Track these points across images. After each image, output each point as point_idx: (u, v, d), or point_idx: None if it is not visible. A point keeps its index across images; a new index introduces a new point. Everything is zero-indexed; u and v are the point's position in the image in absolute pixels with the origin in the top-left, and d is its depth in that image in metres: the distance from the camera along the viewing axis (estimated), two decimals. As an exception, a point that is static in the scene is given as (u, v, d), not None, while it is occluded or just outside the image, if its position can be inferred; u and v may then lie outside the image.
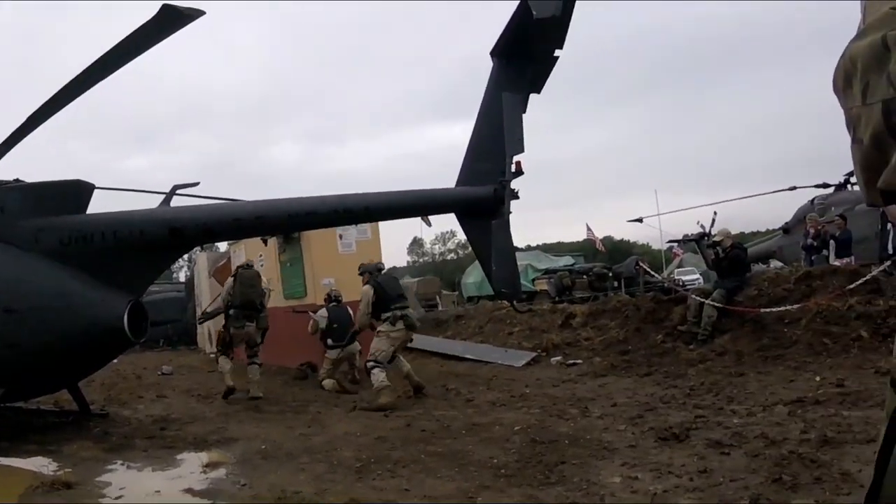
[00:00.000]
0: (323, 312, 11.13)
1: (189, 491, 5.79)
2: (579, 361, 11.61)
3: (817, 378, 8.05)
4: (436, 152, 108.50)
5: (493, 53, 7.21)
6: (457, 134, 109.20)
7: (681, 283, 19.12)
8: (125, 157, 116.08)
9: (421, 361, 13.59)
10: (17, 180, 8.45)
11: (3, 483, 6.34)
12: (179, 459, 6.88)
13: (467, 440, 6.76)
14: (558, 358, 12.18)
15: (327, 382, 10.74)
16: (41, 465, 6.81)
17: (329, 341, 10.90)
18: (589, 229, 34.40)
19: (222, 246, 19.67)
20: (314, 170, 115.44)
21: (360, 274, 10.25)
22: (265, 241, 12.36)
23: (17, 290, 7.48)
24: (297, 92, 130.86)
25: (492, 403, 8.74)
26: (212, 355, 18.71)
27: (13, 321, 7.33)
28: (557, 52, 7.02)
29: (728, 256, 11.43)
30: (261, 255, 14.60)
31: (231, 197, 8.76)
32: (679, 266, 31.25)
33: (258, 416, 8.83)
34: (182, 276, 28.60)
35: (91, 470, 6.46)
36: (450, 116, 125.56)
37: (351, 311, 11.07)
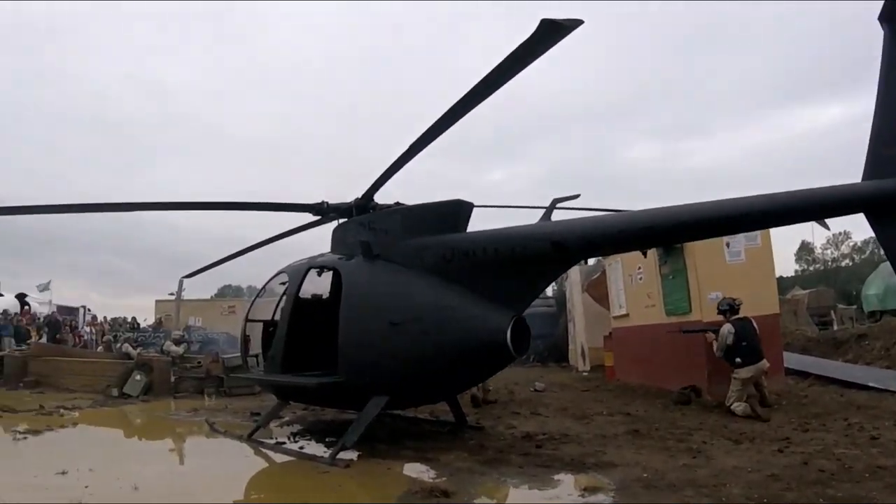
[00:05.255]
0: (729, 328, 10.75)
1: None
2: None
3: None
4: (808, 140, 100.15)
5: (881, 18, 6.35)
6: (833, 115, 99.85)
7: None
8: (486, 170, 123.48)
9: (817, 389, 12.64)
10: (397, 203, 9.52)
11: (381, 486, 7.12)
12: (556, 480, 7.12)
13: (871, 485, 6.17)
14: None
15: (738, 406, 10.38)
16: (419, 471, 7.56)
17: (737, 359, 10.57)
18: None
19: (591, 259, 20.09)
20: (677, 167, 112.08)
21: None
22: (644, 253, 12.35)
23: (401, 304, 8.46)
24: (652, 84, 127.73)
25: (904, 443, 7.88)
26: (584, 373, 19.24)
27: (397, 334, 8.27)
28: None
29: None
30: (639, 268, 14.63)
31: (611, 208, 8.87)
32: None
33: (637, 441, 8.83)
34: (549, 291, 29.69)
35: (467, 481, 6.97)
36: (824, 92, 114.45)
37: (756, 325, 10.71)
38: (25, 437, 10.01)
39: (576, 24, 5.09)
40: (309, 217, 10.19)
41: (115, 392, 15.94)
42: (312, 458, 8.34)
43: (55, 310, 31.44)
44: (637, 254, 12.61)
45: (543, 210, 9.15)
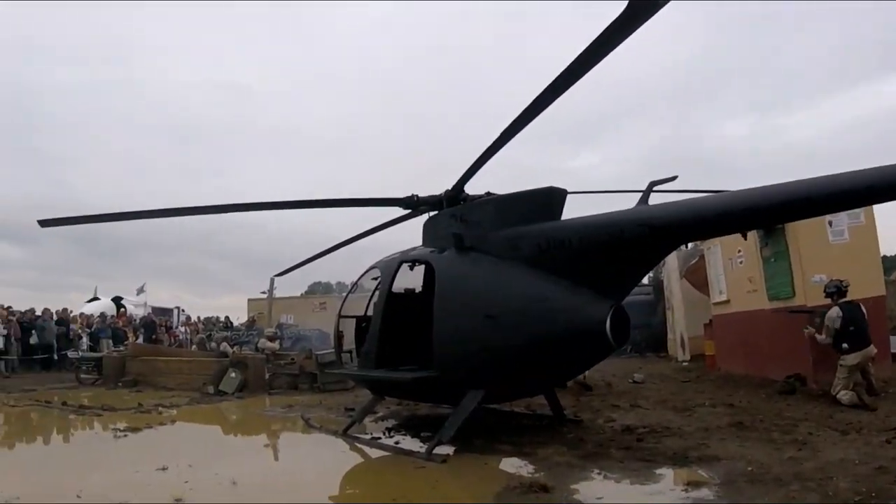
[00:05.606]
0: (837, 311, 10.43)
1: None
2: None
3: None
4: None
5: None
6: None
7: None
8: (571, 156, 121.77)
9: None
10: (488, 193, 9.57)
11: (478, 481, 7.19)
12: (658, 474, 7.11)
13: None
14: None
15: (844, 395, 10.13)
16: (516, 466, 7.67)
17: (844, 345, 10.28)
18: None
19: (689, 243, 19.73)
20: (771, 145, 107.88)
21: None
22: (744, 235, 12.09)
23: (496, 296, 8.50)
24: (734, 59, 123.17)
25: None
26: (684, 363, 19.00)
27: (493, 326, 8.33)
28: None
29: None
30: (739, 251, 14.39)
31: (709, 189, 8.72)
32: None
33: (741, 433, 8.73)
34: (645, 279, 29.31)
35: (566, 475, 7.04)
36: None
37: (864, 309, 10.43)
38: (126, 435, 10.49)
39: None
40: (399, 211, 10.35)
41: (210, 389, 16.52)
42: (409, 453, 8.51)
43: (150, 311, 32.66)
44: (737, 236, 12.37)
45: (639, 194, 9.01)
